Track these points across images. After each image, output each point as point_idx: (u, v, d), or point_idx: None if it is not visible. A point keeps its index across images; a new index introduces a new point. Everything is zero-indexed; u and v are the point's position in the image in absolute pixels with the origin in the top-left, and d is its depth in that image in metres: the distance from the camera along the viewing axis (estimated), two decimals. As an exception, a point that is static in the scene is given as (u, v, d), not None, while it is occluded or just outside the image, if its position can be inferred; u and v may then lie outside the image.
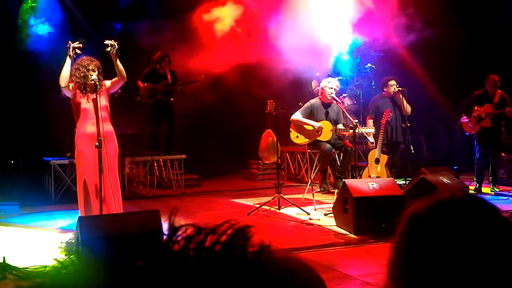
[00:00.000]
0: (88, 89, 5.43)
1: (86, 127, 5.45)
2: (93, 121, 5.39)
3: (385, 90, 8.21)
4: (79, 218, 4.52)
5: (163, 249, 0.56)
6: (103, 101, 5.51)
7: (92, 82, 5.30)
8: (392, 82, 8.13)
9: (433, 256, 0.85)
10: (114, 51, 5.31)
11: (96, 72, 5.36)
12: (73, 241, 5.18)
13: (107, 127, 5.54)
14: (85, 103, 5.46)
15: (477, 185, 8.30)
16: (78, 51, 5.39)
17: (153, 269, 0.54)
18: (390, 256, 0.92)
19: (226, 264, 0.55)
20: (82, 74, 5.34)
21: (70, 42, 5.40)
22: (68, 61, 5.35)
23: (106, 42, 5.31)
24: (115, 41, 5.32)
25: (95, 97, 5.38)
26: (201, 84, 9.75)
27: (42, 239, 5.86)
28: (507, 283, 0.81)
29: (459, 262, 0.82)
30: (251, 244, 0.57)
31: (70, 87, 5.42)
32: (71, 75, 5.36)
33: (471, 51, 10.18)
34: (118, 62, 5.42)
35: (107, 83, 5.60)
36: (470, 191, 7.67)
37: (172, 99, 9.70)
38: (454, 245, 0.84)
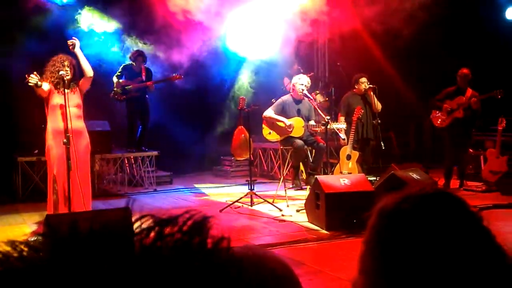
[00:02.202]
0: (61, 84, 5.54)
1: (57, 123, 5.53)
2: (65, 117, 5.47)
3: (356, 87, 8.27)
4: (47, 216, 4.43)
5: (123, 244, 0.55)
6: (76, 98, 5.65)
7: (61, 76, 5.43)
8: (363, 79, 8.19)
9: (402, 250, 0.85)
10: (75, 48, 5.54)
11: (69, 68, 5.54)
12: (40, 239, 5.07)
13: (79, 124, 5.64)
14: (57, 99, 5.56)
15: (446, 181, 8.45)
16: (39, 83, 5.46)
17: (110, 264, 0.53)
18: (361, 251, 0.92)
19: (183, 255, 0.54)
20: (56, 69, 5.51)
21: (26, 76, 5.43)
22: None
23: (68, 42, 5.59)
24: (74, 39, 5.57)
25: (65, 93, 5.47)
26: (173, 80, 9.71)
27: (8, 238, 5.71)
28: (473, 276, 0.82)
29: (428, 256, 0.83)
30: (210, 235, 0.57)
31: (46, 88, 5.53)
32: (46, 71, 5.58)
33: (441, 47, 10.35)
34: (82, 58, 5.62)
35: (80, 81, 5.72)
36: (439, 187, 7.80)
37: (147, 96, 9.64)
38: (422, 239, 0.84)
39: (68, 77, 5.51)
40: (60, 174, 5.44)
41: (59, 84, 5.50)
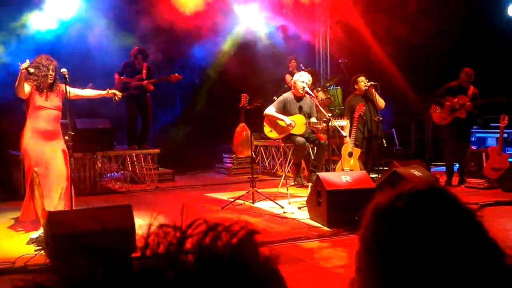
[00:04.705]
0: (45, 87, 5.72)
1: (39, 123, 5.69)
2: (46, 118, 5.70)
3: (356, 87, 8.21)
4: (48, 213, 4.45)
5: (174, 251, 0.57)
6: (57, 101, 5.81)
7: (50, 81, 5.67)
8: (361, 78, 8.12)
9: (396, 248, 0.84)
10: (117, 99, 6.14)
11: (53, 72, 5.72)
12: (42, 236, 5.09)
13: (56, 125, 5.81)
14: (41, 101, 5.70)
15: (448, 177, 8.43)
16: (31, 70, 5.58)
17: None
18: (357, 248, 0.92)
19: (237, 263, 0.56)
20: (43, 73, 5.64)
21: (20, 63, 5.54)
22: (19, 77, 5.54)
23: (112, 92, 6.09)
24: (120, 92, 6.14)
25: (51, 95, 5.72)
26: (172, 80, 9.68)
27: (10, 235, 5.74)
28: (467, 273, 0.81)
29: (422, 254, 0.83)
30: (260, 249, 0.58)
31: (26, 91, 5.63)
32: (30, 73, 5.63)
33: (442, 44, 10.31)
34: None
35: (71, 90, 5.80)
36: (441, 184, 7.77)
37: (148, 94, 9.61)
38: (416, 236, 0.84)
39: (50, 81, 5.68)
40: (40, 172, 5.55)
41: (40, 87, 5.65)
